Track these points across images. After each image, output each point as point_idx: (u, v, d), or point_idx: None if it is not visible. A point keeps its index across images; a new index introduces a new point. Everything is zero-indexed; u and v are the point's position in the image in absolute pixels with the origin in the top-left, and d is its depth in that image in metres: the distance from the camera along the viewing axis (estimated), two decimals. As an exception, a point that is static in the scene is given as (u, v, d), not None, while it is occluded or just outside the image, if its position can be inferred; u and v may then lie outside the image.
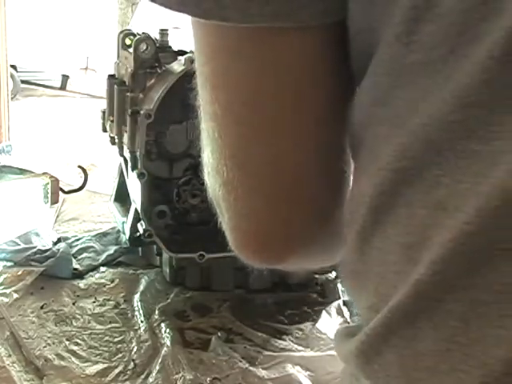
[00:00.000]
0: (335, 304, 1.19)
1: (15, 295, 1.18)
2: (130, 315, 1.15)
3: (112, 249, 1.36)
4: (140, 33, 1.19)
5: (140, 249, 1.33)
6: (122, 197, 1.34)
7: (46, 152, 4.42)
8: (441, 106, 0.33)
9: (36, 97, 6.72)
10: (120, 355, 1.04)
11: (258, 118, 0.42)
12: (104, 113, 1.28)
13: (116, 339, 1.08)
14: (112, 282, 1.26)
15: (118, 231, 1.38)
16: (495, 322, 0.32)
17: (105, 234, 1.41)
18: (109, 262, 1.32)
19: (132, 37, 1.19)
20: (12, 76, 5.09)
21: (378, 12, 0.36)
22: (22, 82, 6.52)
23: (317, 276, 1.27)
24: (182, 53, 1.19)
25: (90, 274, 1.28)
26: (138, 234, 1.20)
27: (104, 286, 1.24)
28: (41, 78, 6.94)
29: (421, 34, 0.34)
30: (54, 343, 1.06)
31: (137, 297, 1.21)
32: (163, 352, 1.03)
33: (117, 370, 1.01)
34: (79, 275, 1.27)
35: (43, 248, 1.30)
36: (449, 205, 0.33)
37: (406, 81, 0.35)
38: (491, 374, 0.32)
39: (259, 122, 0.42)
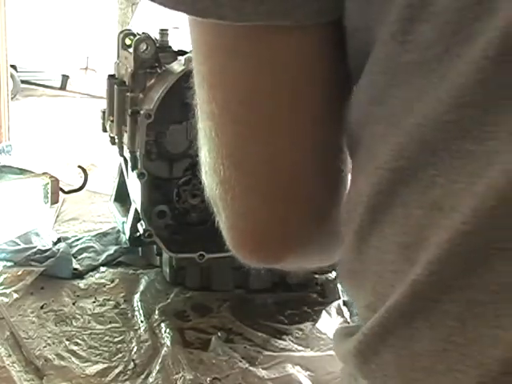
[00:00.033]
0: (335, 304, 1.19)
1: (15, 295, 1.18)
2: (130, 315, 1.15)
3: (112, 249, 1.36)
4: (140, 33, 1.19)
5: (140, 249, 1.33)
6: (122, 197, 1.33)
7: (46, 152, 4.42)
8: (435, 105, 0.33)
9: (36, 97, 6.72)
10: (120, 355, 1.04)
11: (254, 117, 0.42)
12: (104, 113, 1.28)
13: (116, 339, 1.08)
14: (112, 282, 1.26)
15: (118, 231, 1.38)
16: (492, 322, 0.32)
17: (105, 234, 1.41)
18: (109, 262, 1.32)
19: (132, 37, 1.19)
20: (12, 76, 5.09)
21: (375, 11, 0.36)
22: (22, 82, 6.52)
23: (317, 276, 1.27)
24: (181, 53, 1.19)
25: (90, 274, 1.28)
26: (138, 234, 1.20)
27: (104, 286, 1.24)
28: (41, 77, 6.94)
29: (416, 33, 0.34)
30: (53, 343, 1.06)
31: (137, 297, 1.21)
32: (163, 352, 1.03)
33: (117, 370, 1.01)
34: (79, 275, 1.27)
35: (43, 248, 1.30)
36: (444, 205, 0.33)
37: (401, 80, 0.35)
38: (488, 374, 0.32)
39: (256, 121, 0.42)
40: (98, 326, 1.12)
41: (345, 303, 1.19)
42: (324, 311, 1.17)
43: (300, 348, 1.08)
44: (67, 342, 1.07)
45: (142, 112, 1.12)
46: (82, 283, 1.25)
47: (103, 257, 1.33)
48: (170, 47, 1.19)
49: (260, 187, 0.44)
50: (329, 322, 1.14)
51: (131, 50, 1.16)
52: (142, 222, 1.17)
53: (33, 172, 1.53)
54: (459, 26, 0.32)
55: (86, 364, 1.02)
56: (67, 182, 1.60)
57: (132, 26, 4.90)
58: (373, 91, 0.38)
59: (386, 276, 0.37)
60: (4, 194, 1.38)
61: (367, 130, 0.38)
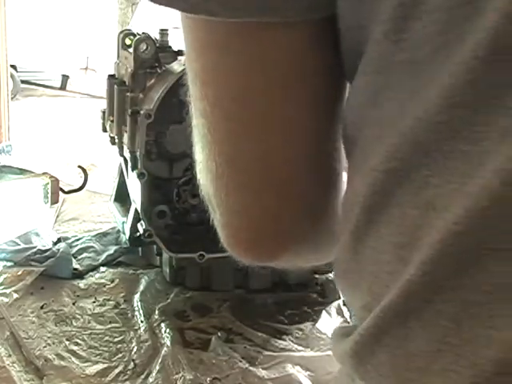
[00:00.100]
0: (335, 304, 1.19)
1: (15, 295, 1.18)
2: (130, 315, 1.15)
3: (112, 249, 1.36)
4: (140, 33, 1.19)
5: (140, 249, 1.33)
6: (122, 197, 1.33)
7: (46, 152, 4.41)
8: (427, 106, 0.33)
9: (36, 97, 6.72)
10: (120, 355, 1.04)
11: (247, 114, 0.42)
12: (104, 113, 1.28)
13: (116, 339, 1.08)
14: (112, 282, 1.26)
15: (118, 231, 1.38)
16: (486, 322, 0.32)
17: (105, 234, 1.41)
18: (109, 262, 1.32)
19: (132, 37, 1.19)
20: (12, 76, 5.09)
21: (367, 9, 0.36)
22: (22, 82, 6.52)
23: (317, 276, 1.27)
24: (181, 53, 1.19)
25: (90, 273, 1.28)
26: (138, 234, 1.20)
27: (104, 286, 1.24)
28: (41, 77, 6.93)
29: (409, 32, 0.34)
30: (53, 343, 1.06)
31: (137, 297, 1.21)
32: (163, 352, 1.03)
33: (117, 370, 1.01)
34: (79, 275, 1.27)
35: (43, 248, 1.30)
36: (438, 205, 0.33)
37: (394, 80, 0.35)
38: (482, 375, 0.32)
39: (248, 118, 0.42)
40: (98, 326, 1.12)
41: (345, 303, 1.19)
42: (324, 311, 1.17)
43: (300, 348, 1.08)
44: (67, 342, 1.07)
45: (141, 112, 1.12)
46: (82, 283, 1.25)
47: (103, 257, 1.33)
48: (170, 47, 1.19)
49: (253, 184, 0.44)
50: (329, 322, 1.14)
51: (131, 50, 1.16)
52: (141, 221, 1.17)
53: (33, 172, 1.53)
54: (449, 25, 0.32)
55: (85, 364, 1.02)
56: (67, 182, 1.60)
57: (132, 26, 4.90)
58: (367, 92, 0.38)
59: (382, 276, 0.37)
60: (4, 194, 1.38)
61: (363, 132, 0.38)
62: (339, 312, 1.17)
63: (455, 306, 0.33)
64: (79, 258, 1.32)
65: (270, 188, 0.44)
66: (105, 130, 1.29)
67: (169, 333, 1.09)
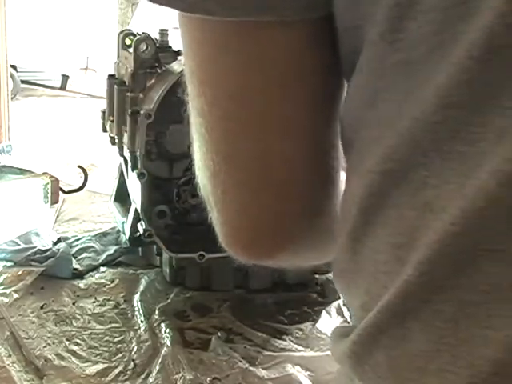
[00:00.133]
0: (335, 304, 1.19)
1: (15, 295, 1.18)
2: (130, 315, 1.15)
3: (112, 249, 1.36)
4: (140, 33, 1.19)
5: (140, 249, 1.33)
6: (122, 197, 1.34)
7: (46, 152, 4.41)
8: (424, 107, 0.33)
9: (36, 97, 6.71)
10: (120, 355, 1.04)
11: (244, 113, 0.42)
12: (104, 113, 1.28)
13: (116, 339, 1.08)
14: (112, 282, 1.26)
15: (118, 231, 1.38)
16: (483, 322, 0.32)
17: (105, 234, 1.41)
18: (109, 262, 1.32)
19: (132, 37, 1.19)
20: (12, 76, 5.09)
21: (363, 9, 0.36)
22: (22, 82, 6.52)
23: (317, 276, 1.27)
24: (182, 53, 1.19)
25: (90, 273, 1.28)
26: (138, 234, 1.20)
27: (104, 286, 1.25)
28: (41, 77, 6.93)
29: (405, 32, 0.34)
30: (53, 343, 1.06)
31: (137, 297, 1.21)
32: (163, 352, 1.03)
33: (117, 370, 1.01)
34: (79, 275, 1.27)
35: (43, 248, 1.30)
36: (435, 206, 0.33)
37: (390, 81, 0.35)
38: (479, 375, 0.32)
39: (246, 117, 0.42)
40: (98, 326, 1.12)
41: (345, 303, 1.19)
42: (324, 311, 1.17)
43: (300, 348, 1.08)
44: (67, 342, 1.07)
45: (142, 112, 1.12)
46: (82, 283, 1.25)
47: (103, 257, 1.33)
48: (170, 47, 1.19)
49: (251, 183, 0.44)
50: (329, 322, 1.14)
51: (131, 50, 1.16)
52: (141, 221, 1.17)
53: (33, 172, 1.53)
54: (444, 25, 0.32)
55: (86, 364, 1.02)
56: (67, 182, 1.60)
57: (132, 26, 4.90)
58: (364, 93, 0.38)
59: (380, 276, 0.37)
60: (4, 194, 1.38)
61: (359, 133, 0.38)
62: (339, 312, 1.18)
63: (452, 306, 0.33)
64: (79, 257, 1.33)
65: (268, 187, 0.44)
66: (105, 130, 1.29)
67: (169, 333, 1.09)
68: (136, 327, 1.12)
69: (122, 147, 1.23)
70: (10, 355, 1.02)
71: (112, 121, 1.23)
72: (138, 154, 1.15)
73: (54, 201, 1.44)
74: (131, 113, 1.14)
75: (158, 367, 1.00)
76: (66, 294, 1.21)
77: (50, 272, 1.25)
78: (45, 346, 1.05)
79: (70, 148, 4.58)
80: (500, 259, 0.31)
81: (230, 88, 0.41)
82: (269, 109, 0.41)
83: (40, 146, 4.56)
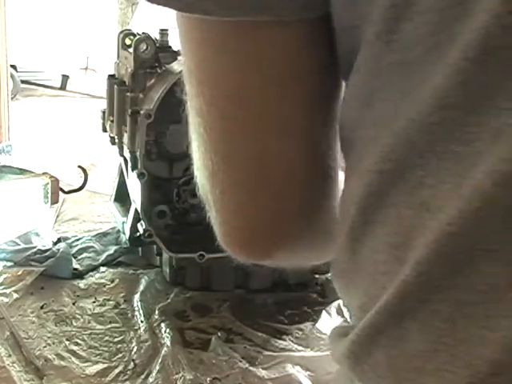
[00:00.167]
0: (335, 304, 1.19)
1: (15, 295, 1.18)
2: (130, 315, 1.15)
3: (112, 249, 1.36)
4: (140, 33, 1.19)
5: (140, 249, 1.33)
6: (122, 197, 1.34)
7: (46, 152, 4.41)
8: (420, 108, 0.33)
9: (36, 97, 6.71)
10: (120, 355, 1.04)
11: (242, 113, 0.42)
12: (104, 113, 1.28)
13: (116, 339, 1.08)
14: (112, 282, 1.26)
15: (118, 231, 1.38)
16: (481, 322, 0.32)
17: (105, 234, 1.41)
18: (109, 262, 1.32)
19: (132, 37, 1.19)
20: (12, 76, 5.09)
21: (360, 9, 0.36)
22: (22, 82, 6.52)
23: (317, 276, 1.27)
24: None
25: (90, 274, 1.28)
26: (138, 234, 1.20)
27: (104, 286, 1.25)
28: (41, 77, 6.93)
29: (401, 33, 0.34)
30: (53, 343, 1.06)
31: (137, 297, 1.21)
32: (163, 352, 1.03)
33: (117, 370, 1.01)
34: (79, 275, 1.27)
35: (43, 248, 1.30)
36: (432, 206, 0.33)
37: (386, 81, 0.35)
38: (477, 375, 0.32)
39: (244, 117, 0.42)
40: (98, 326, 1.12)
41: (344, 303, 1.19)
42: (324, 311, 1.17)
43: (300, 348, 1.08)
44: (67, 342, 1.07)
45: (141, 112, 1.12)
46: (82, 283, 1.25)
47: (103, 257, 1.33)
48: (170, 47, 1.19)
49: (248, 183, 0.44)
50: (329, 322, 1.14)
51: (131, 50, 1.16)
52: (142, 221, 1.17)
53: (33, 172, 1.53)
54: (440, 26, 0.32)
55: (86, 364, 1.02)
56: (67, 182, 1.60)
57: (132, 26, 4.90)
58: (361, 93, 0.38)
59: (378, 276, 0.37)
60: (4, 194, 1.38)
61: (357, 133, 0.38)
62: (339, 312, 1.18)
63: (450, 306, 0.33)
64: (79, 257, 1.33)
65: (266, 187, 0.44)
66: (105, 130, 1.29)
67: (169, 333, 1.09)
68: (136, 327, 1.12)
69: (122, 147, 1.23)
70: (10, 355, 1.02)
71: (112, 121, 1.23)
72: (138, 153, 1.15)
73: (54, 201, 1.45)
74: (131, 113, 1.14)
75: (158, 367, 1.01)
76: (66, 294, 1.21)
77: (50, 272, 1.25)
78: (45, 346, 1.05)
79: (70, 148, 4.58)
80: (497, 259, 0.31)
81: (228, 88, 0.41)
82: (266, 109, 0.41)
83: (40, 146, 4.56)
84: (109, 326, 1.12)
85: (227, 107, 0.42)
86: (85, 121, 4.98)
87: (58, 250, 1.29)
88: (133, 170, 1.18)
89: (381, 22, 0.34)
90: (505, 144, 0.30)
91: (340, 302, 1.20)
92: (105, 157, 3.56)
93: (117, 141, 1.23)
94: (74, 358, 1.03)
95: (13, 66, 5.62)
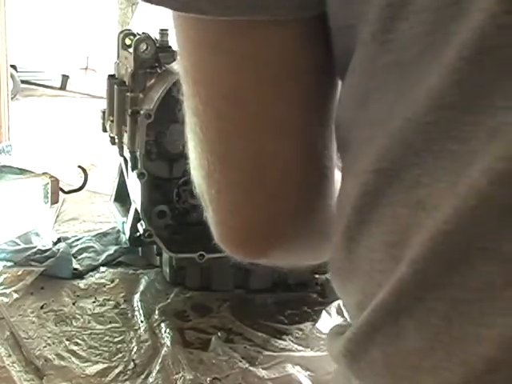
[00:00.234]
0: (335, 304, 1.19)
1: (15, 295, 1.18)
2: (130, 315, 1.15)
3: (112, 249, 1.36)
4: (140, 33, 1.19)
5: (140, 249, 1.33)
6: (122, 197, 1.34)
7: (46, 152, 4.42)
8: (415, 108, 0.33)
9: (36, 97, 6.72)
10: (120, 355, 1.04)
11: (238, 113, 0.42)
12: (104, 113, 1.28)
13: (116, 339, 1.08)
14: (112, 282, 1.26)
15: (118, 231, 1.38)
16: (476, 320, 0.32)
17: (105, 234, 1.41)
18: (109, 262, 1.32)
19: (132, 37, 1.19)
20: (12, 76, 5.09)
21: (355, 9, 0.36)
22: (22, 82, 6.52)
23: (317, 276, 1.27)
24: (181, 53, 1.19)
25: (90, 274, 1.28)
26: (138, 234, 1.20)
27: (104, 286, 1.25)
28: (41, 77, 6.94)
29: (397, 33, 0.34)
30: (53, 343, 1.06)
31: (137, 297, 1.21)
32: (163, 352, 1.03)
33: (117, 370, 1.01)
34: (79, 275, 1.27)
35: (43, 248, 1.30)
36: (428, 204, 0.33)
37: (382, 81, 0.35)
38: (473, 372, 0.32)
39: (239, 117, 0.42)
40: (98, 326, 1.12)
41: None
42: (324, 311, 1.17)
43: (300, 348, 1.08)
44: (67, 342, 1.07)
45: (142, 112, 1.12)
46: (82, 283, 1.25)
47: (103, 257, 1.33)
48: (170, 47, 1.19)
49: (244, 183, 0.44)
50: (329, 322, 1.14)
51: (131, 50, 1.16)
52: (141, 221, 1.17)
53: (33, 172, 1.53)
54: (436, 25, 0.32)
55: (86, 364, 1.02)
56: (67, 182, 1.60)
57: (132, 26, 4.90)
58: (356, 93, 0.38)
59: (374, 275, 0.37)
60: (4, 194, 1.38)
61: (353, 134, 0.39)
62: (339, 312, 1.17)
63: (446, 304, 0.33)
64: (79, 257, 1.32)
65: (262, 187, 0.44)
66: (105, 130, 1.29)
67: (169, 333, 1.09)
68: (136, 327, 1.12)
69: (122, 147, 1.23)
70: (10, 355, 1.02)
71: (112, 121, 1.22)
72: (138, 153, 1.15)
73: (54, 201, 1.44)
74: (131, 113, 1.14)
75: (158, 367, 1.00)
76: (66, 293, 1.21)
77: (50, 272, 1.25)
78: (45, 346, 1.05)
79: (70, 148, 4.58)
80: (492, 257, 0.32)
81: (224, 88, 0.41)
82: (262, 108, 0.42)
83: (40, 146, 4.56)
84: (109, 325, 1.12)
85: (223, 107, 0.42)
86: (85, 121, 4.98)
87: (58, 249, 1.29)
88: (133, 170, 1.18)
89: (376, 21, 0.34)
90: (501, 142, 0.30)
91: (340, 302, 1.20)
92: (105, 157, 3.57)
93: (117, 141, 1.23)
94: (74, 358, 1.03)
95: (13, 66, 5.62)
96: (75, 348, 1.05)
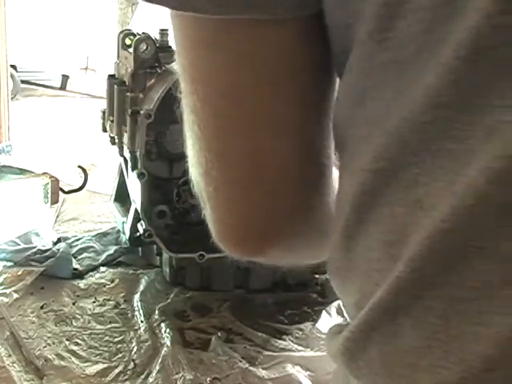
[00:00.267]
0: (335, 304, 1.19)
1: (15, 295, 1.18)
2: (130, 315, 1.15)
3: (112, 249, 1.36)
4: (140, 33, 1.19)
5: (140, 249, 1.33)
6: (122, 197, 1.34)
7: (46, 152, 4.41)
8: (412, 107, 0.33)
9: (36, 97, 6.72)
10: (120, 355, 1.04)
11: (236, 111, 0.42)
12: (104, 113, 1.28)
13: (116, 339, 1.08)
14: (112, 282, 1.26)
15: (118, 231, 1.38)
16: (474, 318, 0.32)
17: (105, 234, 1.41)
18: (109, 262, 1.32)
19: (132, 37, 1.19)
20: (12, 76, 5.09)
21: (352, 7, 0.36)
22: (22, 82, 6.52)
23: (317, 276, 1.27)
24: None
25: (90, 273, 1.28)
26: (138, 234, 1.20)
27: (104, 286, 1.25)
28: (41, 77, 6.94)
29: (394, 31, 0.34)
30: (53, 343, 1.06)
31: (137, 297, 1.21)
32: (163, 352, 1.03)
33: (117, 370, 1.01)
34: (79, 275, 1.27)
35: (43, 248, 1.30)
36: (425, 203, 0.33)
37: (379, 80, 0.35)
38: (470, 371, 0.32)
39: (237, 115, 0.42)
40: (98, 326, 1.12)
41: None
42: (324, 311, 1.17)
43: (300, 348, 1.08)
44: (67, 342, 1.07)
45: (142, 112, 1.12)
46: (82, 283, 1.25)
47: (103, 257, 1.33)
48: (170, 47, 1.19)
49: (242, 181, 0.44)
50: (329, 322, 1.14)
51: (131, 50, 1.16)
52: (141, 221, 1.17)
53: (33, 172, 1.53)
54: (434, 24, 0.32)
55: (86, 364, 1.02)
56: (67, 182, 1.60)
57: (132, 26, 4.90)
58: (353, 92, 0.38)
59: (372, 274, 0.37)
60: (4, 194, 1.38)
61: (350, 132, 0.39)
62: (339, 312, 1.17)
63: (443, 303, 0.33)
64: (79, 257, 1.32)
65: (259, 185, 0.44)
66: (105, 130, 1.29)
67: (169, 333, 1.09)
68: (136, 327, 1.12)
69: (122, 147, 1.23)
70: (10, 355, 1.02)
71: (112, 121, 1.22)
72: (138, 153, 1.15)
73: (54, 201, 1.44)
74: (131, 113, 1.14)
75: (158, 367, 1.00)
76: (66, 293, 1.21)
77: (50, 272, 1.25)
78: (45, 346, 1.05)
79: (70, 148, 4.58)
80: (490, 256, 0.32)
81: (221, 86, 0.41)
82: (260, 106, 0.42)
83: (40, 146, 4.56)
84: (109, 325, 1.12)
85: (221, 105, 0.42)
86: (85, 121, 4.98)
87: (58, 249, 1.29)
88: (133, 170, 1.18)
89: (373, 19, 0.34)
90: (498, 141, 0.30)
91: (340, 302, 1.20)
92: (105, 157, 3.57)
93: (117, 141, 1.23)
94: (74, 358, 1.03)
95: (13, 66, 5.62)
96: (75, 348, 1.05)
